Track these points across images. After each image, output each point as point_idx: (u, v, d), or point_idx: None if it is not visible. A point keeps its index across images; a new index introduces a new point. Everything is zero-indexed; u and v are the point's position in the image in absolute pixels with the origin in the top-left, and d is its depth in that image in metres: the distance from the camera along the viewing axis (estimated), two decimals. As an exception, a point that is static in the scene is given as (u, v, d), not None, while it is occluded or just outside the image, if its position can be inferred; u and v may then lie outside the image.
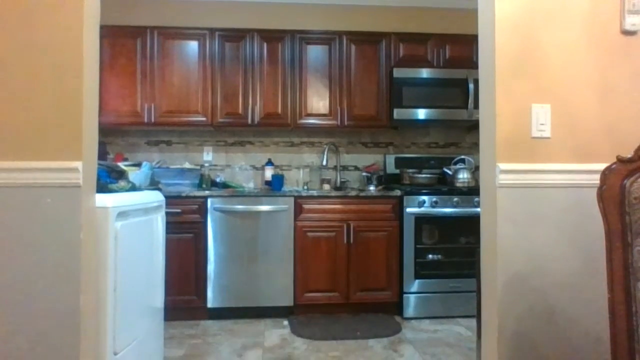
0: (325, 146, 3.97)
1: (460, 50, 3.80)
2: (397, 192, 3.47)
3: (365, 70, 3.78)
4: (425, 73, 3.71)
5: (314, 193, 3.49)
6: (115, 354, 1.78)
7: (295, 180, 4.02)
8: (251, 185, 3.99)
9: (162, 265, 2.38)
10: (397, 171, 3.96)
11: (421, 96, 3.69)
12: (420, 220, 3.41)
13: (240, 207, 3.36)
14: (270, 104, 3.72)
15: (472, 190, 3.43)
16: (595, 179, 1.63)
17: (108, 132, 3.81)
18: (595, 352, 1.60)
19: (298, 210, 3.41)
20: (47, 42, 1.53)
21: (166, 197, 2.57)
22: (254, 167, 4.03)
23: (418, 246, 3.40)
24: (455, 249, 3.44)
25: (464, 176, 3.66)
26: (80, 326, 1.53)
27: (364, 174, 3.94)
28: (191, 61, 3.67)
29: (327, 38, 3.78)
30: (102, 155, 2.53)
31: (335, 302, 3.41)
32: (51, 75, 1.53)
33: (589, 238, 1.62)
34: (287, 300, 3.37)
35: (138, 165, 2.45)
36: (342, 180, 4.02)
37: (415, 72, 3.70)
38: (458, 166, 3.75)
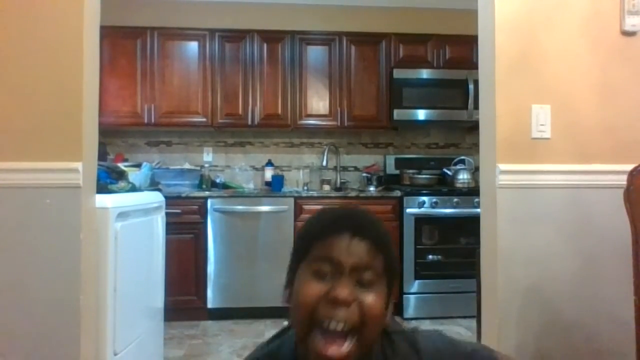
0: (325, 147, 3.97)
1: (460, 50, 3.79)
2: (397, 193, 3.47)
3: (365, 70, 3.78)
4: (425, 74, 3.71)
5: (314, 194, 3.49)
6: (115, 354, 1.78)
7: (295, 180, 4.02)
8: (251, 185, 3.98)
9: (162, 265, 2.38)
10: (397, 172, 3.96)
11: (421, 97, 3.69)
12: (420, 220, 3.41)
13: (240, 207, 3.36)
14: (270, 104, 3.72)
15: (472, 191, 3.42)
16: (595, 180, 1.64)
17: (108, 133, 3.80)
18: (596, 351, 1.60)
19: (298, 210, 3.40)
20: (48, 42, 1.53)
21: (166, 197, 2.57)
22: (254, 168, 4.03)
23: (418, 247, 3.40)
24: (455, 250, 3.43)
25: (464, 177, 3.66)
26: (81, 326, 1.53)
27: (364, 174, 3.93)
28: (191, 62, 3.67)
29: (327, 39, 3.78)
30: (102, 156, 2.52)
31: (335, 302, 3.40)
32: (51, 76, 1.53)
33: (589, 238, 1.62)
34: (287, 300, 3.37)
35: (138, 166, 2.46)
36: (342, 181, 4.02)
37: (415, 73, 3.70)
38: (458, 167, 3.75)
